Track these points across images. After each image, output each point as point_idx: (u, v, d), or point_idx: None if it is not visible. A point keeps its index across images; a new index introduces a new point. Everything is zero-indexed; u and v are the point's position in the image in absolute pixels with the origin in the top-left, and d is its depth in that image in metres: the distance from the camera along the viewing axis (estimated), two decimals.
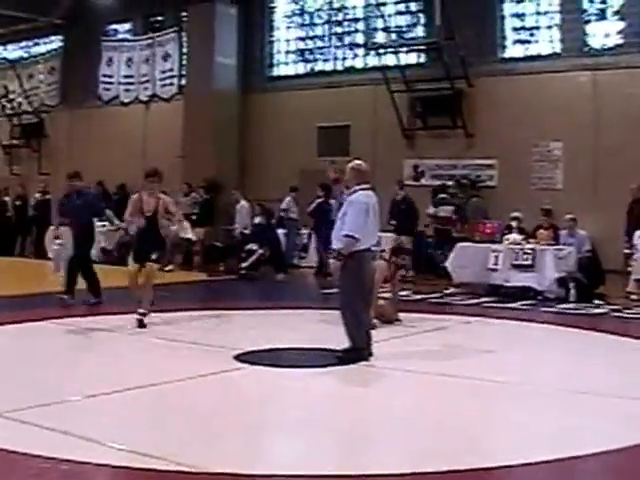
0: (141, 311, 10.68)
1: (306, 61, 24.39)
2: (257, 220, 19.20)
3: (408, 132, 21.63)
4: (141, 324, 10.60)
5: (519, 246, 15.45)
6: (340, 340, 8.98)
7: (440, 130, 21.05)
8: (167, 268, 19.00)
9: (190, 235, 16.17)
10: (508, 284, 15.32)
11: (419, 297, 15.09)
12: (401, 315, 11.92)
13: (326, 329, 11.19)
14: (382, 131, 22.03)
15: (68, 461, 5.37)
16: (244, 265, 18.05)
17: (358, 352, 8.93)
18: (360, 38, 23.29)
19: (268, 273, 18.46)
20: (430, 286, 16.38)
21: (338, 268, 8.92)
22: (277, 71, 25.00)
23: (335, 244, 8.97)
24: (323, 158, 22.80)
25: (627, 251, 15.94)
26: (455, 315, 12.75)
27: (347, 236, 8.80)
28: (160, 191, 11.26)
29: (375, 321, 10.85)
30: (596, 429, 6.55)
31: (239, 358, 8.90)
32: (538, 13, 20.42)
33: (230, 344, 9.62)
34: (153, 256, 10.84)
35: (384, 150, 21.86)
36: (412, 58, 22.04)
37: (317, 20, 24.21)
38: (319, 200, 18.30)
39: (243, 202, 19.75)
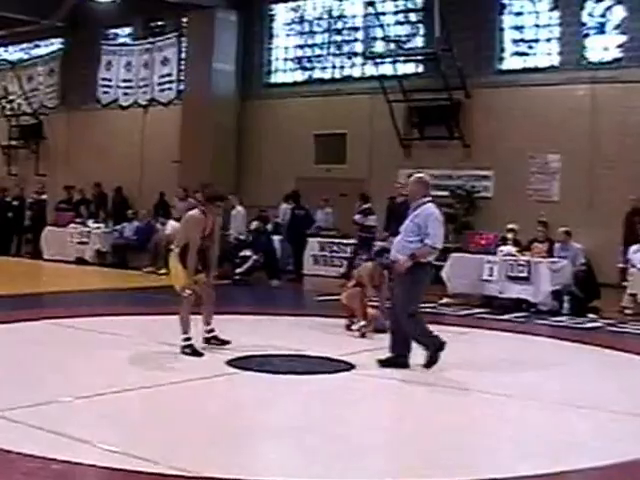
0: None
1: (304, 69, 24.38)
2: (253, 226, 19.13)
3: (405, 142, 21.63)
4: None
5: (514, 257, 15.41)
6: (334, 346, 8.91)
7: (437, 140, 21.05)
8: (161, 272, 18.98)
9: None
10: (502, 295, 15.28)
11: None
12: None
13: (320, 336, 11.30)
14: (379, 140, 22.03)
15: (59, 461, 5.34)
16: (238, 271, 18.01)
17: (436, 352, 9.09)
18: (359, 47, 23.26)
19: (262, 279, 18.43)
20: (427, 296, 16.24)
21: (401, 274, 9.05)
22: (275, 78, 24.99)
23: (398, 254, 9.07)
24: (319, 166, 22.95)
25: (621, 265, 15.94)
26: (449, 326, 12.63)
27: (432, 247, 9.02)
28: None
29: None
30: (588, 443, 6.53)
31: (231, 363, 8.91)
32: (537, 26, 20.43)
33: (222, 349, 9.67)
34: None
35: (380, 159, 21.87)
36: (410, 68, 22.05)
37: (316, 28, 24.20)
38: (364, 206, 18.41)
39: (239, 208, 19.68)
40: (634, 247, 15.51)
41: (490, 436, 6.77)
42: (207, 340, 9.87)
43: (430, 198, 9.37)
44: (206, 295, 9.91)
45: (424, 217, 9.10)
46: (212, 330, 9.96)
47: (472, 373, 9.26)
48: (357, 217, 18.42)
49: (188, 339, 9.46)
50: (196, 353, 9.36)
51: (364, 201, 18.73)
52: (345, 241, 20.19)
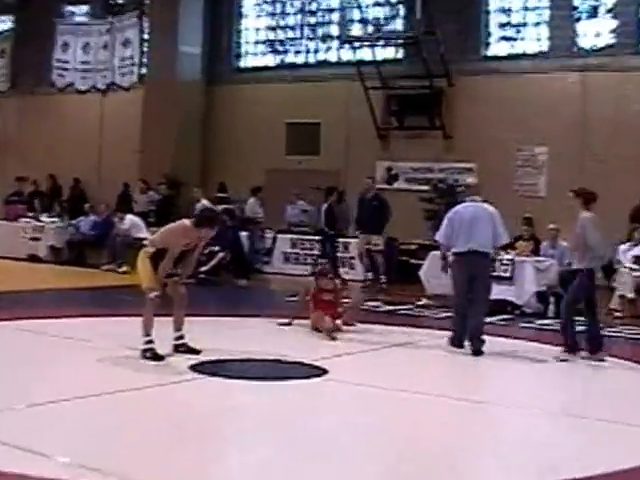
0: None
1: (276, 52, 24.43)
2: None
3: (382, 132, 21.77)
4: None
5: (497, 257, 15.51)
6: (305, 350, 9.01)
7: (417, 130, 21.22)
8: (120, 269, 19.02)
9: (144, 234, 16.15)
10: None
11: (389, 308, 15.22)
12: (368, 327, 12.35)
13: (289, 339, 11.42)
14: (355, 130, 22.17)
15: (11, 474, 5.34)
16: (204, 269, 17.92)
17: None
18: (334, 30, 23.33)
19: (229, 278, 18.49)
20: (402, 296, 16.45)
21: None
22: (245, 62, 25.05)
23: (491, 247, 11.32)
24: (291, 157, 22.97)
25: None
26: (426, 329, 12.87)
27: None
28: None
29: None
30: (574, 451, 6.71)
31: (195, 368, 8.98)
32: (526, 9, 20.59)
33: (186, 353, 9.70)
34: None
35: (357, 150, 22.03)
36: (389, 53, 22.18)
37: (289, 9, 24.28)
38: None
39: (204, 201, 19.52)
40: (623, 247, 15.67)
41: (472, 445, 6.89)
42: (176, 347, 9.78)
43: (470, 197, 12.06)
44: (178, 297, 9.84)
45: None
46: (182, 337, 9.84)
47: (451, 380, 9.44)
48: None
49: (149, 342, 9.39)
50: (157, 357, 9.32)
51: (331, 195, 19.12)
52: (318, 237, 20.28)
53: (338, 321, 11.98)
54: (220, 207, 18.95)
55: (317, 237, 19.79)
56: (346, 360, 10.18)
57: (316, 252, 19.86)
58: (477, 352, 10.78)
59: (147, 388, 8.14)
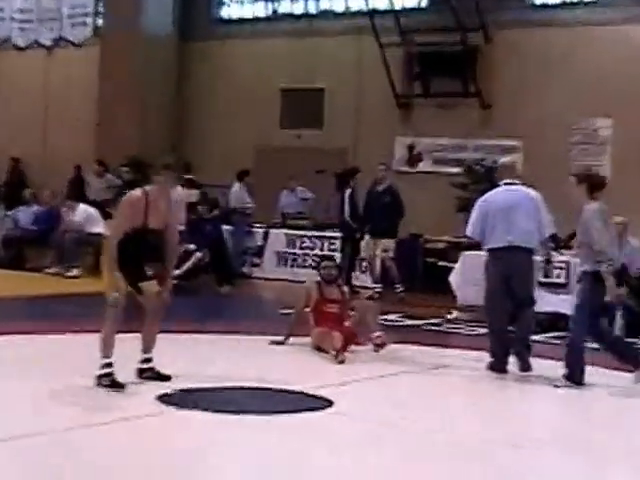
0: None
1: (268, 0, 24.34)
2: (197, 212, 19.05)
3: (403, 100, 21.76)
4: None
5: (549, 257, 15.42)
6: (304, 376, 9.20)
7: (446, 98, 21.26)
8: (69, 274, 18.96)
9: (101, 229, 16.10)
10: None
11: (411, 323, 15.29)
12: (387, 347, 12.13)
13: (283, 362, 11.40)
14: (368, 98, 22.18)
15: None
16: (176, 273, 17.83)
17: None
18: None
19: (209, 284, 18.50)
20: (427, 308, 16.48)
21: None
22: (228, 12, 25.02)
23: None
24: (287, 131, 22.94)
25: None
26: (457, 349, 12.90)
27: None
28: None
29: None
30: None
31: (163, 399, 8.93)
32: None
33: (152, 379, 9.66)
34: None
35: (370, 123, 22.08)
36: (411, 0, 22.08)
37: None
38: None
39: (178, 188, 19.59)
40: None
41: None
42: (141, 372, 9.74)
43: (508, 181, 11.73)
44: (152, 310, 9.77)
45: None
46: (150, 360, 9.81)
47: (487, 416, 9.39)
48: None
49: (108, 365, 9.32)
50: (116, 385, 9.26)
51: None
52: (321, 234, 20.34)
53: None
54: (192, 193, 18.95)
55: (338, 233, 19.69)
56: (356, 389, 10.11)
57: (319, 252, 19.94)
58: (525, 368, 11.02)
59: (103, 425, 8.05)
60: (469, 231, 11.76)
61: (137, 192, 9.66)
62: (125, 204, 9.70)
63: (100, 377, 9.31)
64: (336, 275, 13.09)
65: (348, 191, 19.00)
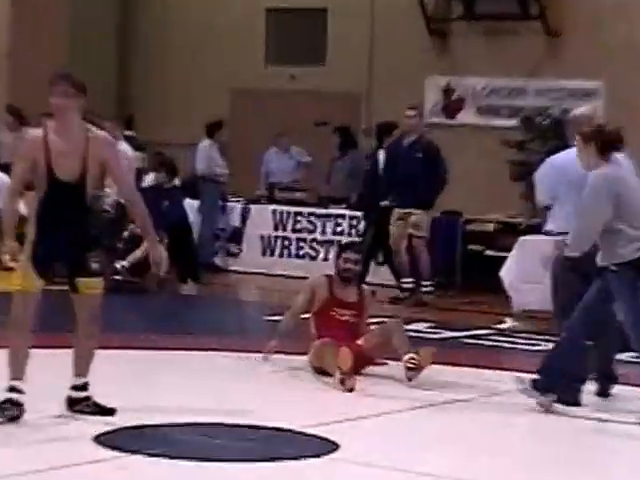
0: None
1: None
2: (149, 180, 18.97)
3: (437, 25, 21.65)
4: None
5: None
6: (300, 409, 9.73)
7: (498, 22, 21.21)
8: None
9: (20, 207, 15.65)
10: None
11: (445, 335, 15.21)
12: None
13: (270, 389, 11.33)
14: (387, 22, 21.95)
15: None
16: (122, 264, 17.63)
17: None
18: None
19: (166, 280, 18.21)
20: (469, 313, 16.66)
21: None
22: None
23: None
24: (276, 68, 22.61)
25: None
26: (509, 371, 12.36)
27: None
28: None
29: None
30: None
31: (101, 440, 8.66)
32: None
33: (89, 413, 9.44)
34: (93, 265, 9.66)
35: (390, 58, 21.87)
36: None
37: None
38: None
39: (124, 145, 19.10)
40: None
41: None
42: (72, 403, 9.45)
43: None
44: (87, 317, 9.41)
45: None
46: (85, 386, 9.49)
47: (540, 463, 9.03)
48: None
49: (12, 389, 9.14)
50: (15, 413, 9.06)
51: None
52: (325, 211, 19.91)
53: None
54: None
55: (359, 211, 19.46)
56: (368, 427, 9.92)
57: (319, 236, 19.92)
58: (604, 393, 10.96)
59: (15, 476, 7.62)
60: (542, 196, 11.70)
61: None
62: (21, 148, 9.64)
63: (2, 403, 9.09)
64: (359, 273, 12.86)
65: (380, 152, 18.53)
